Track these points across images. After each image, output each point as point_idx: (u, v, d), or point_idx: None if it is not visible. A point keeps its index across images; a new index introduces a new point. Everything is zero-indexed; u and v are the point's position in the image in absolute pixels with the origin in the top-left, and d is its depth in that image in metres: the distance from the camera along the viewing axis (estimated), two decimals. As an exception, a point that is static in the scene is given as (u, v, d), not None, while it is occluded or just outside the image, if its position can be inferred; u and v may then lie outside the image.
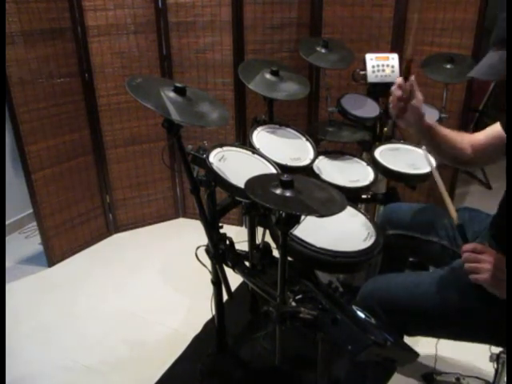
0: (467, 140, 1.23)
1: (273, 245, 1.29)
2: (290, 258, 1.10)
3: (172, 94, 1.17)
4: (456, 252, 1.19)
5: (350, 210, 1.32)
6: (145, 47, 2.37)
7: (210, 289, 1.56)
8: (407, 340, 1.13)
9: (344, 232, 1.24)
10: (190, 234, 2.54)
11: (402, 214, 1.43)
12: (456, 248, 1.22)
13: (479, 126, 3.78)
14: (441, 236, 1.29)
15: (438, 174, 1.13)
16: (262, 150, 1.47)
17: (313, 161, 1.55)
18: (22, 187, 2.25)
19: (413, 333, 1.17)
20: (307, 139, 1.65)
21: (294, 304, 1.06)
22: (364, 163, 1.71)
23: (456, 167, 1.43)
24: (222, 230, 1.45)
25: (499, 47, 0.88)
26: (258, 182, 1.05)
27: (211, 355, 1.69)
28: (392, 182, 1.89)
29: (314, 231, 1.15)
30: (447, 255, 1.27)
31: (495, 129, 1.17)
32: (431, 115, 1.88)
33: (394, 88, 1.14)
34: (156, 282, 2.20)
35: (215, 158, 1.36)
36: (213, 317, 1.61)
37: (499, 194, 1.10)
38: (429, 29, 2.15)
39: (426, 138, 1.19)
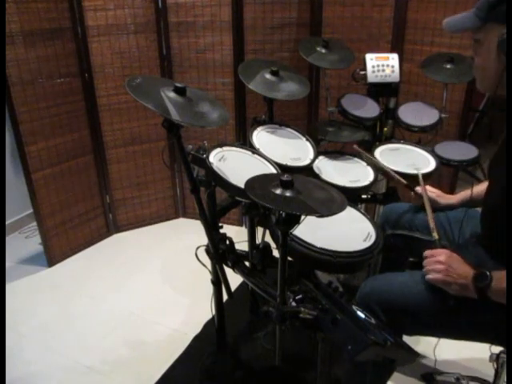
0: None
1: (273, 245, 1.29)
2: (290, 258, 1.10)
3: (172, 94, 1.17)
4: (455, 251, 1.19)
5: (350, 210, 1.32)
6: (145, 47, 2.37)
7: (210, 289, 1.56)
8: (407, 340, 1.13)
9: (344, 232, 1.24)
10: (189, 234, 2.55)
11: (401, 214, 1.43)
12: (455, 247, 1.22)
13: (479, 126, 3.78)
14: (440, 236, 1.29)
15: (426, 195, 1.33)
16: (262, 150, 1.47)
17: (313, 161, 1.55)
18: (21, 187, 2.25)
19: (411, 332, 1.17)
20: (307, 139, 1.65)
21: (294, 304, 1.06)
22: (364, 163, 1.71)
23: None
24: (222, 230, 1.45)
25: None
26: (258, 182, 1.05)
27: (211, 355, 1.69)
28: (392, 182, 1.89)
29: (314, 231, 1.15)
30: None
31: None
32: (431, 115, 1.89)
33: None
34: (156, 282, 2.20)
35: (215, 157, 1.36)
36: (213, 317, 1.61)
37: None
38: (429, 29, 2.15)
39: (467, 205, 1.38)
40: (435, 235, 1.16)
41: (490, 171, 1.16)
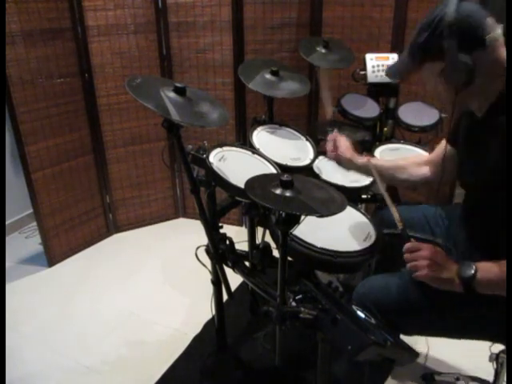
0: (420, 161, 1.36)
1: (273, 245, 1.29)
2: (290, 258, 1.10)
3: (172, 94, 1.17)
4: (451, 250, 1.19)
5: (350, 210, 1.32)
6: (145, 47, 2.37)
7: (210, 289, 1.56)
8: (407, 340, 1.13)
9: (344, 232, 1.24)
10: (189, 234, 2.54)
11: None
12: (451, 246, 1.22)
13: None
14: (436, 234, 1.30)
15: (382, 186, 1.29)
16: (262, 150, 1.47)
17: (313, 161, 1.55)
18: (22, 187, 2.25)
19: (409, 332, 1.17)
20: (307, 139, 1.65)
21: (294, 304, 1.06)
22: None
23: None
24: (222, 230, 1.46)
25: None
26: (258, 182, 1.05)
27: (211, 355, 1.69)
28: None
29: (315, 231, 1.15)
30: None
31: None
32: (431, 115, 1.89)
33: (327, 143, 1.43)
34: (156, 282, 2.20)
35: (215, 158, 1.36)
36: (213, 317, 1.61)
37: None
38: (429, 29, 2.15)
39: (363, 172, 1.40)
40: (400, 225, 1.12)
41: (457, 145, 1.17)
